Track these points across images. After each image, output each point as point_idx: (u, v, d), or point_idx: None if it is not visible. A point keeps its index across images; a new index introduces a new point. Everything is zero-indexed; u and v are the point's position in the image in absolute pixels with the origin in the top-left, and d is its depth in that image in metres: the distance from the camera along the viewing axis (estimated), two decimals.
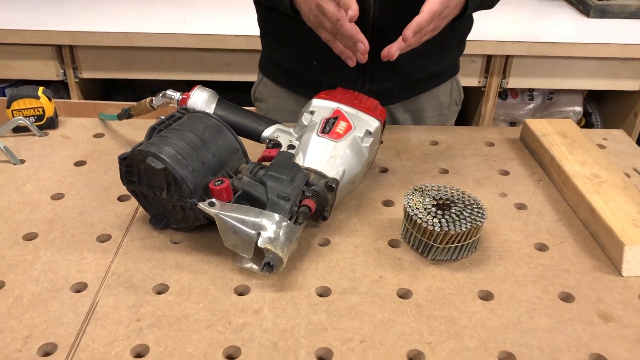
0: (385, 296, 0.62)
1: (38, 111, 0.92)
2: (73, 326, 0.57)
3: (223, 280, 0.64)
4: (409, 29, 0.75)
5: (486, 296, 0.63)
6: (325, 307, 0.61)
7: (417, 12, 0.78)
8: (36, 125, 0.92)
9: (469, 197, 0.70)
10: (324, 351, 0.56)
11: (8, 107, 0.91)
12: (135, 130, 0.94)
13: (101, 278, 0.64)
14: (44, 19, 1.62)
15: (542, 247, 0.71)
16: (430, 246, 0.67)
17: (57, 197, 0.77)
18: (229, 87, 1.58)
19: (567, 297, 0.63)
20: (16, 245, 0.68)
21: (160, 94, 0.84)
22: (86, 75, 1.63)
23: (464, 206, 0.68)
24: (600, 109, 1.92)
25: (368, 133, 0.75)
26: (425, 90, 1.04)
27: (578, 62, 1.65)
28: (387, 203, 0.78)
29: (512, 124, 1.88)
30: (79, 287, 0.62)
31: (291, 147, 0.75)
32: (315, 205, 0.68)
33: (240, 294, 0.62)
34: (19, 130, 0.91)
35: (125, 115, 0.90)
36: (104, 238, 0.70)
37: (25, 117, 0.91)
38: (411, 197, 0.69)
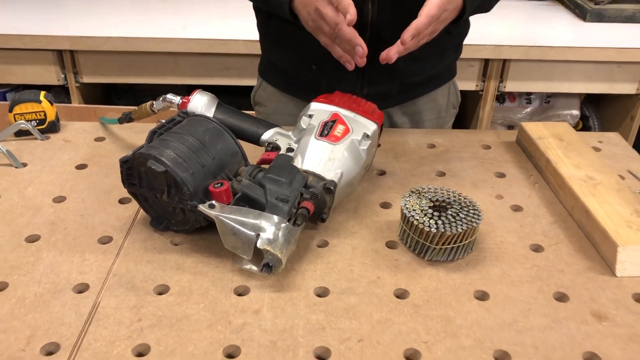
0: (383, 296, 0.63)
1: (40, 115, 0.93)
2: (75, 326, 0.58)
3: (223, 281, 0.65)
4: (407, 33, 0.76)
5: (482, 296, 0.64)
6: (324, 307, 0.62)
7: (415, 16, 0.80)
8: (38, 129, 0.93)
9: (465, 198, 0.71)
10: (322, 350, 0.57)
11: (10, 111, 0.92)
12: (136, 134, 0.95)
13: (103, 279, 0.65)
14: (44, 24, 1.63)
15: (537, 248, 0.72)
16: (427, 247, 0.68)
17: (59, 200, 0.78)
18: (229, 91, 1.59)
19: (561, 297, 0.64)
20: (19, 247, 0.69)
21: (161, 98, 0.85)
22: (87, 79, 1.65)
23: (460, 208, 0.69)
24: (598, 112, 1.93)
25: (365, 136, 0.76)
26: (423, 93, 1.05)
27: (575, 65, 1.66)
28: (385, 205, 0.79)
29: (510, 127, 1.90)
30: (81, 288, 0.63)
31: (290, 150, 0.76)
32: (314, 207, 0.69)
33: (239, 295, 0.63)
34: (21, 134, 0.92)
35: (126, 119, 0.91)
36: (105, 240, 0.71)
37: (27, 121, 0.92)
38: (408, 199, 0.70)
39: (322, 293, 0.64)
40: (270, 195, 0.67)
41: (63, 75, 1.63)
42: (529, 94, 1.86)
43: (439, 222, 0.66)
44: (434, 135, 0.98)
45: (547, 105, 1.87)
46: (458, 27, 0.99)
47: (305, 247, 0.70)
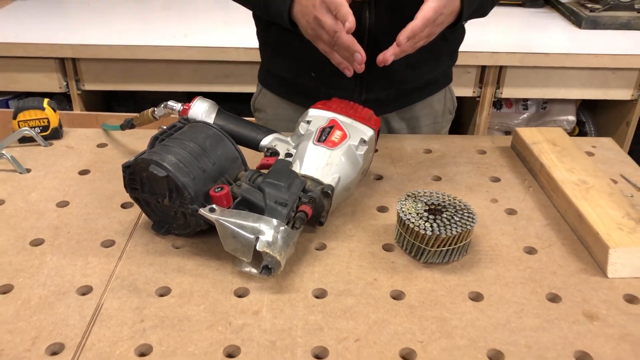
0: (379, 298, 0.65)
1: (43, 122, 0.95)
2: (79, 327, 0.60)
3: (223, 283, 0.66)
4: (403, 35, 0.77)
5: (476, 297, 0.65)
6: (322, 309, 0.63)
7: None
8: (41, 136, 0.94)
9: (459, 202, 0.72)
10: (320, 350, 0.58)
11: (14, 118, 0.93)
12: (138, 140, 0.97)
13: (106, 281, 0.66)
14: (47, 33, 1.65)
15: (531, 251, 0.73)
16: (422, 249, 0.69)
17: (62, 204, 0.80)
18: (229, 98, 1.61)
19: (554, 298, 0.66)
20: (23, 251, 0.71)
21: (162, 105, 0.87)
22: (88, 87, 1.67)
23: (455, 211, 0.71)
24: (594, 118, 1.95)
25: (362, 141, 0.78)
26: (420, 99, 1.07)
27: (571, 72, 1.68)
28: (382, 209, 0.81)
29: (507, 133, 1.91)
30: (85, 290, 0.65)
31: (288, 155, 0.78)
32: (312, 210, 0.70)
33: (239, 296, 0.65)
34: (25, 140, 0.94)
35: (128, 125, 0.92)
36: (108, 244, 0.72)
37: (31, 127, 0.94)
38: (404, 202, 0.72)
39: (320, 294, 0.65)
40: (270, 199, 0.68)
41: (65, 83, 1.65)
42: (525, 100, 1.88)
43: (434, 225, 0.68)
44: (431, 141, 1.00)
45: (543, 111, 1.89)
46: (454, 33, 1.01)
47: (304, 249, 0.72)
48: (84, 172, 0.88)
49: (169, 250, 0.71)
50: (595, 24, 1.80)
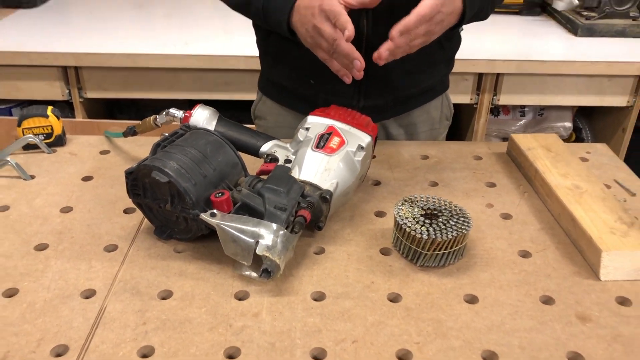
0: (377, 300, 0.66)
1: (47, 129, 0.96)
2: (83, 329, 0.61)
3: (224, 287, 0.68)
4: (395, 29, 0.78)
5: (471, 300, 0.67)
6: (320, 311, 0.64)
7: None
8: (45, 143, 0.96)
9: (455, 207, 0.74)
10: (318, 351, 0.59)
11: (19, 125, 0.95)
12: (140, 147, 0.98)
13: (109, 285, 0.67)
14: (50, 42, 1.67)
15: (525, 254, 0.75)
16: (419, 253, 0.71)
17: (66, 210, 0.81)
18: (230, 106, 1.63)
19: (547, 300, 0.67)
20: (28, 255, 0.72)
21: (164, 112, 0.88)
22: (91, 95, 1.69)
23: (451, 215, 0.72)
24: (590, 124, 1.97)
25: (360, 148, 0.79)
26: (417, 105, 1.09)
27: (567, 79, 1.70)
28: (379, 214, 0.83)
29: (505, 139, 1.93)
30: (88, 294, 0.66)
31: (288, 161, 0.79)
32: (311, 215, 0.72)
33: (240, 299, 0.66)
34: (29, 147, 0.95)
35: (131, 132, 0.94)
36: (110, 248, 0.74)
37: (35, 135, 0.95)
38: (401, 207, 0.74)
39: (318, 297, 0.67)
40: (269, 204, 0.70)
41: (68, 91, 1.67)
42: (522, 106, 1.90)
43: (430, 229, 0.69)
44: (427, 147, 1.02)
45: (540, 117, 1.91)
46: (450, 41, 1.03)
47: (303, 253, 0.73)
48: (87, 179, 0.89)
49: (170, 255, 0.73)
50: (591, 32, 1.82)
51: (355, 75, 0.84)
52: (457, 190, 0.89)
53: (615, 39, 1.81)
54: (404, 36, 0.79)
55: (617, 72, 1.67)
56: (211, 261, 0.72)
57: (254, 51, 1.08)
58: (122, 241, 0.75)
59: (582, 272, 0.71)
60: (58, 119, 0.97)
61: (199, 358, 0.58)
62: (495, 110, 1.89)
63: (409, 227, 0.70)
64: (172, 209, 0.71)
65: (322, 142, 0.79)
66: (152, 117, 0.90)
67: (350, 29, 0.77)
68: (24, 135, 0.95)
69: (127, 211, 0.81)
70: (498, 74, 1.69)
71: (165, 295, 0.66)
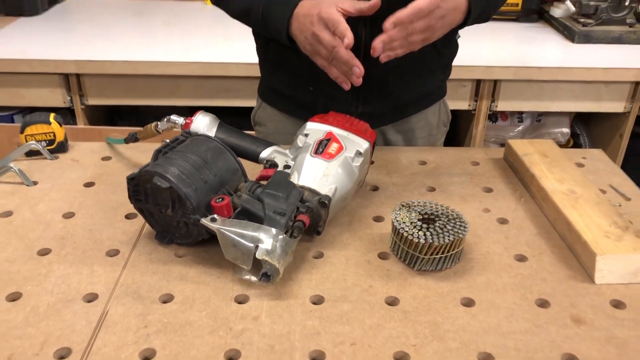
0: (374, 303, 0.67)
1: (49, 136, 0.98)
2: (85, 332, 0.62)
3: (224, 290, 0.69)
4: (388, 21, 0.77)
5: (468, 303, 0.68)
6: (319, 314, 0.65)
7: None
8: (48, 149, 0.97)
9: (452, 211, 0.75)
10: (317, 353, 0.60)
11: (22, 132, 0.96)
12: (141, 154, 0.99)
13: (111, 289, 0.68)
14: (51, 49, 1.69)
15: (521, 258, 0.76)
16: (416, 257, 0.72)
17: (68, 215, 0.82)
18: (230, 112, 1.64)
19: (543, 303, 0.68)
20: (31, 260, 0.73)
21: (165, 119, 0.90)
22: (92, 102, 1.70)
23: (447, 220, 0.73)
24: (588, 130, 1.98)
25: (358, 153, 0.81)
26: (415, 112, 1.10)
27: (564, 85, 1.71)
28: (378, 219, 0.84)
29: (503, 145, 1.93)
30: (90, 298, 0.67)
31: (287, 167, 0.80)
32: (309, 220, 0.73)
33: (240, 303, 0.67)
34: (32, 154, 0.97)
35: (132, 139, 0.95)
36: (112, 253, 0.75)
37: (38, 141, 0.97)
38: (398, 212, 0.75)
39: (317, 301, 0.68)
40: (269, 209, 0.71)
41: (69, 98, 1.68)
42: (520, 112, 1.91)
43: (427, 233, 0.70)
44: (425, 153, 1.03)
45: (538, 123, 1.92)
46: (447, 47, 1.04)
47: (302, 258, 0.74)
48: (89, 185, 0.90)
49: (171, 259, 0.74)
50: (588, 38, 1.84)
51: (354, 82, 0.85)
52: (455, 195, 0.90)
53: (612, 46, 1.83)
54: (398, 29, 0.78)
55: (614, 79, 1.69)
56: (211, 265, 0.73)
57: (254, 58, 1.10)
58: (123, 246, 0.76)
59: (577, 275, 0.72)
60: (60, 125, 0.98)
61: None
62: (494, 116, 1.91)
63: (407, 231, 0.71)
64: (173, 214, 0.72)
65: (321, 148, 0.80)
66: (153, 124, 0.92)
67: (349, 37, 0.79)
68: (26, 141, 0.96)
69: (128, 216, 0.82)
70: (496, 81, 1.70)
71: (167, 299, 0.67)
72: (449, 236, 0.70)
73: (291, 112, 1.09)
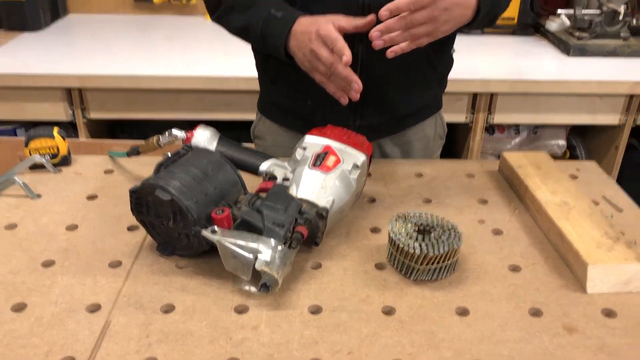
0: (371, 313, 0.69)
1: (53, 150, 0.99)
2: (89, 342, 0.63)
3: (224, 301, 0.70)
4: (384, 8, 0.77)
5: (463, 312, 0.69)
6: (317, 324, 0.67)
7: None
8: (51, 163, 0.99)
9: (447, 222, 0.77)
10: None
11: (26, 145, 0.98)
12: (143, 167, 1.01)
13: (113, 300, 0.70)
14: (54, 64, 1.71)
15: (515, 268, 0.77)
16: (412, 267, 0.73)
17: (72, 228, 0.84)
18: (230, 125, 1.66)
19: (536, 313, 0.69)
20: (35, 271, 0.75)
21: (167, 133, 0.92)
22: (94, 115, 1.72)
23: (443, 231, 0.75)
24: (584, 142, 2.01)
25: (355, 166, 0.82)
26: (412, 124, 1.12)
27: (560, 98, 1.73)
28: (375, 230, 0.85)
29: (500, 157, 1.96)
30: (93, 308, 0.69)
31: (286, 179, 0.82)
32: (308, 231, 0.74)
33: (239, 313, 0.69)
34: (36, 167, 0.98)
35: (134, 152, 0.97)
36: (115, 264, 0.77)
37: (42, 155, 0.98)
38: (395, 223, 0.76)
39: (315, 310, 0.69)
40: (268, 220, 0.73)
41: (71, 112, 1.71)
42: (517, 125, 1.93)
43: (423, 244, 0.72)
44: (422, 165, 1.05)
45: (534, 135, 1.95)
46: (442, 60, 1.06)
47: (300, 268, 0.76)
48: (92, 197, 0.92)
49: (172, 270, 0.75)
50: (583, 52, 1.87)
51: (352, 97, 0.87)
52: (450, 206, 0.92)
53: (607, 59, 1.85)
54: (396, 19, 0.77)
55: (608, 91, 1.71)
56: (212, 276, 0.74)
57: (254, 72, 1.12)
58: (126, 257, 0.78)
59: (569, 285, 0.74)
60: (64, 139, 1.00)
61: None
62: (491, 128, 1.93)
63: (402, 242, 0.73)
64: (175, 226, 0.74)
65: (319, 160, 0.82)
66: (155, 138, 0.93)
67: (347, 55, 0.81)
68: (31, 155, 0.98)
69: (130, 228, 0.84)
70: (492, 94, 1.72)
71: (168, 309, 0.69)
72: (444, 247, 0.72)
73: (290, 125, 1.11)
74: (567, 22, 1.97)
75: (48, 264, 0.76)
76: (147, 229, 0.79)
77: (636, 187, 1.56)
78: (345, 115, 1.03)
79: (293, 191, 0.79)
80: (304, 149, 0.85)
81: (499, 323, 0.67)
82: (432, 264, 0.73)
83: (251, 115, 1.21)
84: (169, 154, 0.80)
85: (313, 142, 0.85)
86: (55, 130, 1.00)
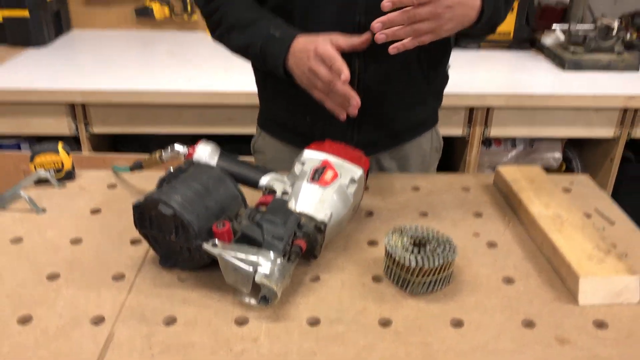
0: (368, 325, 0.70)
1: (58, 164, 1.02)
2: (93, 354, 0.65)
3: (225, 313, 0.72)
4: (386, 1, 0.77)
5: (458, 323, 0.71)
6: (315, 335, 0.69)
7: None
8: (56, 178, 1.01)
9: (442, 235, 0.79)
10: None
11: (31, 160, 1.00)
12: (146, 181, 1.03)
13: (117, 312, 0.72)
14: (58, 79, 1.74)
15: (509, 281, 0.79)
16: (408, 280, 0.75)
17: (76, 241, 0.86)
18: (231, 140, 1.69)
19: (529, 324, 0.71)
20: (40, 284, 0.77)
21: (169, 148, 0.94)
22: (97, 130, 1.75)
23: (438, 244, 0.77)
24: (580, 155, 2.03)
25: (352, 181, 0.85)
26: (409, 139, 1.15)
27: (555, 112, 1.76)
28: (372, 243, 0.87)
29: None
30: (97, 320, 0.70)
31: (285, 193, 0.84)
32: (306, 245, 0.76)
33: (240, 324, 0.70)
34: (41, 182, 1.01)
35: (137, 167, 0.99)
36: (118, 277, 0.78)
37: (47, 170, 1.01)
38: (391, 236, 0.78)
39: (313, 322, 0.71)
40: (267, 234, 0.74)
41: (75, 127, 1.73)
42: (514, 138, 1.96)
43: (418, 257, 0.74)
44: (418, 179, 1.07)
45: (531, 148, 1.97)
46: (437, 75, 1.09)
47: (299, 281, 0.78)
48: (95, 211, 0.94)
49: (174, 283, 0.77)
50: (578, 66, 1.90)
51: (351, 113, 0.89)
52: (446, 219, 0.94)
53: (601, 73, 1.88)
54: (399, 13, 0.77)
55: (603, 105, 1.73)
56: (213, 289, 0.76)
57: (254, 88, 1.15)
58: (129, 270, 0.80)
59: (562, 297, 0.76)
60: (68, 154, 1.02)
61: None
62: (487, 141, 1.95)
63: (399, 255, 0.75)
64: (177, 240, 0.75)
65: (317, 175, 0.84)
66: (157, 153, 0.96)
67: (346, 73, 0.83)
68: (36, 170, 1.00)
69: (133, 242, 0.86)
70: (488, 108, 1.75)
71: (170, 321, 0.71)
72: (439, 259, 0.74)
73: (289, 140, 1.13)
74: (562, 37, 2.00)
75: (53, 276, 0.78)
76: (150, 243, 0.81)
77: (631, 198, 1.59)
78: (343, 130, 1.05)
79: (292, 205, 0.81)
80: (303, 163, 0.87)
81: (492, 334, 0.69)
82: (428, 276, 0.74)
83: (251, 130, 1.23)
84: (171, 169, 0.82)
85: (311, 156, 0.88)
86: (60, 145, 1.02)
